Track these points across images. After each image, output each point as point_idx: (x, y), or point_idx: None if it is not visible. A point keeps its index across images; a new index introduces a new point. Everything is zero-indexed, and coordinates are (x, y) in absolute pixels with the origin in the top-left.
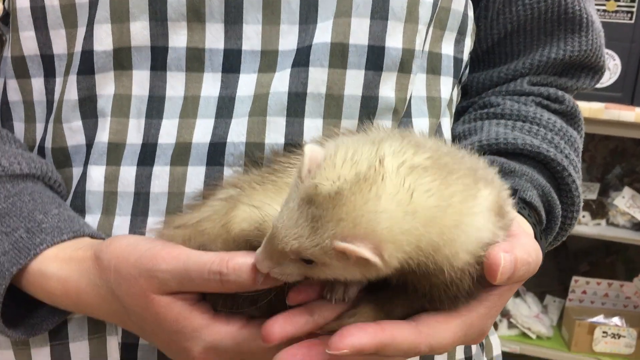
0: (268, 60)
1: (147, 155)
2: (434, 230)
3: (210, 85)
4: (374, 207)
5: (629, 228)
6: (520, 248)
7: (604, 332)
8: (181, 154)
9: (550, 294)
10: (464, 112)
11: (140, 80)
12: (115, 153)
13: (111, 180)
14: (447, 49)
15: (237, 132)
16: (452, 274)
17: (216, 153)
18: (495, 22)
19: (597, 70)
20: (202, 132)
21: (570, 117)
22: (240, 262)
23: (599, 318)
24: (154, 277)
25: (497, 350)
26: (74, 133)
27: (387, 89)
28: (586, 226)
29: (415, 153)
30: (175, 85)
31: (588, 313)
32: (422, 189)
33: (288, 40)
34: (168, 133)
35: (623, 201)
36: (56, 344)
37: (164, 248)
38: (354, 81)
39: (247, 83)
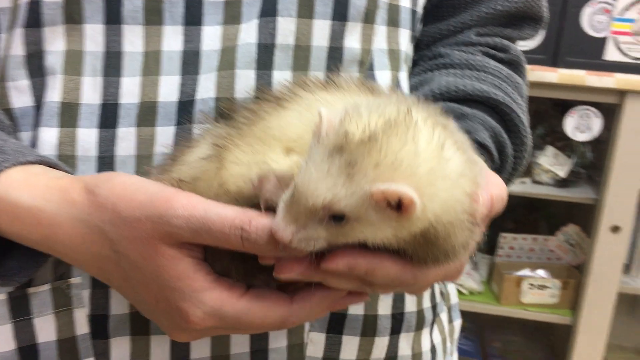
0: (232, 11)
1: (109, 116)
2: (462, 185)
3: (172, 39)
4: (413, 150)
5: (551, 185)
6: (493, 186)
7: (530, 284)
8: (147, 114)
9: (480, 251)
10: (414, 65)
11: (93, 35)
12: (69, 114)
13: (66, 143)
14: (405, 1)
15: (206, 88)
16: (457, 236)
17: (185, 111)
18: None
19: (538, 20)
20: (168, 90)
21: (515, 65)
22: (265, 223)
23: (526, 271)
24: (166, 222)
25: (454, 299)
26: (20, 93)
27: (352, 40)
28: (512, 184)
29: (431, 112)
30: (133, 40)
31: (515, 267)
32: (450, 142)
33: None
34: (130, 92)
35: (546, 159)
36: (18, 321)
37: (179, 193)
38: (320, 32)
39: (211, 36)
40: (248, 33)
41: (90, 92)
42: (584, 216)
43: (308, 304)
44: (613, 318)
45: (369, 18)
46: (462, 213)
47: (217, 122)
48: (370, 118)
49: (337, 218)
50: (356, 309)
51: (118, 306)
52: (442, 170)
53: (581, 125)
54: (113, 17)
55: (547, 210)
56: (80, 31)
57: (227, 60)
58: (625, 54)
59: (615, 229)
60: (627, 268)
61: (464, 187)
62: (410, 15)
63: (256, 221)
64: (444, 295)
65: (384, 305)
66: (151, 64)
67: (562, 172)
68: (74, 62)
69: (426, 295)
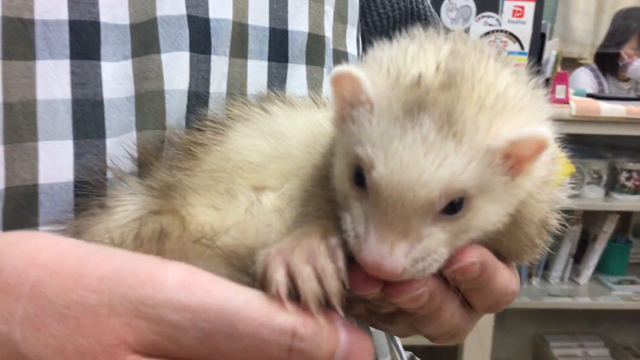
0: None
1: None
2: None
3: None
4: (511, 80)
5: None
6: None
7: None
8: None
9: None
10: None
11: None
12: None
13: None
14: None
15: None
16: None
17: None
18: None
19: (425, 19)
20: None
21: None
22: (319, 326)
23: None
24: (153, 316)
25: None
26: None
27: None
28: None
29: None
30: None
31: None
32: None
33: None
34: None
35: None
36: None
37: (165, 263)
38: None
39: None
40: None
41: None
42: None
43: None
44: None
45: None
46: (548, 170)
47: (141, 176)
48: (428, 54)
49: (453, 207)
50: None
51: None
52: (539, 102)
53: None
54: None
55: None
56: None
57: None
58: None
59: None
60: None
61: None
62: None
63: (313, 321)
64: None
65: None
66: None
67: None
68: None
69: None
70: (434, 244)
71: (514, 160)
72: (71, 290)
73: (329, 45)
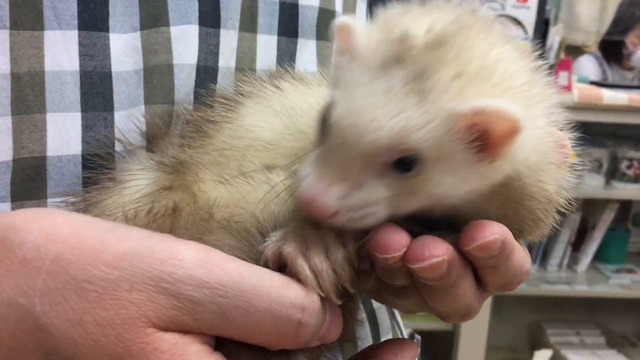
0: None
1: None
2: (553, 114)
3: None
4: (507, 54)
5: None
6: None
7: None
8: None
9: None
10: None
11: None
12: None
13: None
14: None
15: None
16: (547, 188)
17: None
18: None
19: None
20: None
21: None
22: (318, 302)
23: None
24: (172, 292)
25: None
26: None
27: None
28: None
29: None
30: None
31: None
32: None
33: None
34: None
35: None
36: None
37: (182, 242)
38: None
39: None
40: None
41: None
42: None
43: None
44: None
45: None
46: (551, 155)
47: (150, 150)
48: (429, 15)
49: (405, 164)
50: None
51: None
52: (538, 87)
53: None
54: None
55: None
56: None
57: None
58: None
59: None
60: None
61: (554, 117)
62: None
63: (315, 296)
64: None
65: None
66: None
67: None
68: None
69: None
70: (373, 196)
71: (482, 135)
72: (92, 266)
73: None
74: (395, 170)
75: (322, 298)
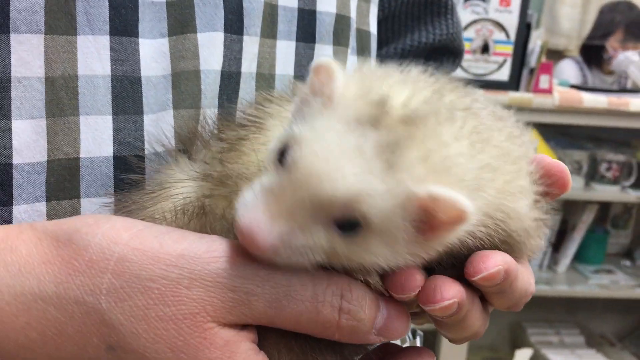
0: None
1: None
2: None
3: None
4: (465, 152)
5: None
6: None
7: None
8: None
9: None
10: None
11: None
12: None
13: None
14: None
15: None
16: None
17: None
18: None
19: (457, 54)
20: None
21: None
22: (362, 291)
23: None
24: (234, 287)
25: None
26: None
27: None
28: None
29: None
30: None
31: None
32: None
33: None
34: None
35: None
36: None
37: (228, 241)
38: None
39: None
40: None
41: None
42: None
43: None
44: None
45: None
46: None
47: (188, 156)
48: (407, 90)
49: (349, 225)
50: None
51: None
52: (500, 179)
53: None
54: None
55: None
56: None
57: None
58: (466, 71)
59: None
60: None
61: (522, 202)
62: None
63: (357, 286)
64: None
65: None
66: None
67: None
68: None
69: None
70: (312, 243)
71: (428, 220)
72: (153, 265)
73: (353, 26)
74: (338, 227)
75: (373, 290)
